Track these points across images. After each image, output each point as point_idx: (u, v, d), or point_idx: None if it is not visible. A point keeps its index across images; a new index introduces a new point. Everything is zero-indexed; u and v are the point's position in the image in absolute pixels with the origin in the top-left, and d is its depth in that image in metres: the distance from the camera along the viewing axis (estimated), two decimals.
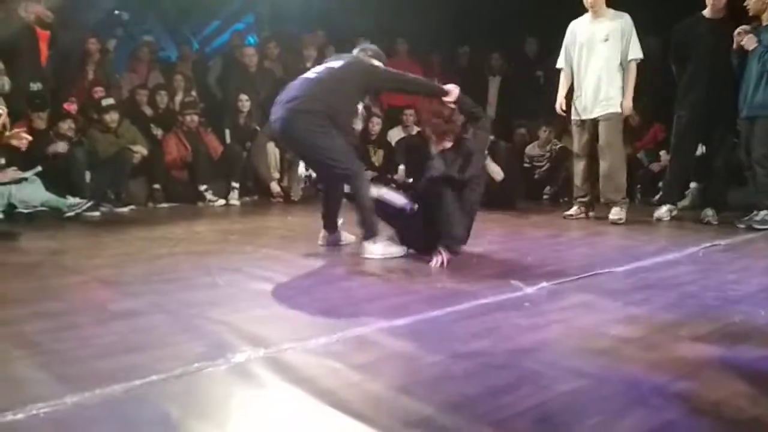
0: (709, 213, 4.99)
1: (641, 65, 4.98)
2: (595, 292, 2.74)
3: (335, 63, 3.65)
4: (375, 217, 3.52)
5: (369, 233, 3.50)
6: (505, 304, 2.54)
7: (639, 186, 6.34)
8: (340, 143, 3.45)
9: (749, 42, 4.57)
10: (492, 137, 5.85)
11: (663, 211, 5.20)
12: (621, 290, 2.79)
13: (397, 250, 3.53)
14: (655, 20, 5.79)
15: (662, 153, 6.36)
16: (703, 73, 4.92)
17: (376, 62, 3.73)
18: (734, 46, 4.73)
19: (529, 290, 2.72)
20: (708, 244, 3.87)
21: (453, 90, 3.56)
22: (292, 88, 3.56)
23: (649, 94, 6.00)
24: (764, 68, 4.49)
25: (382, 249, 3.48)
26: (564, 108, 5.18)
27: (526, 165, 6.77)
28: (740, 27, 4.68)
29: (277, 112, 3.51)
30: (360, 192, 3.49)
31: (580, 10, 5.08)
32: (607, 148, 4.98)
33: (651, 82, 5.81)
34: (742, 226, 4.59)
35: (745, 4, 4.64)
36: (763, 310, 2.45)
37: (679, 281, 2.98)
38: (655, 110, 6.39)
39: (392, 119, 7.48)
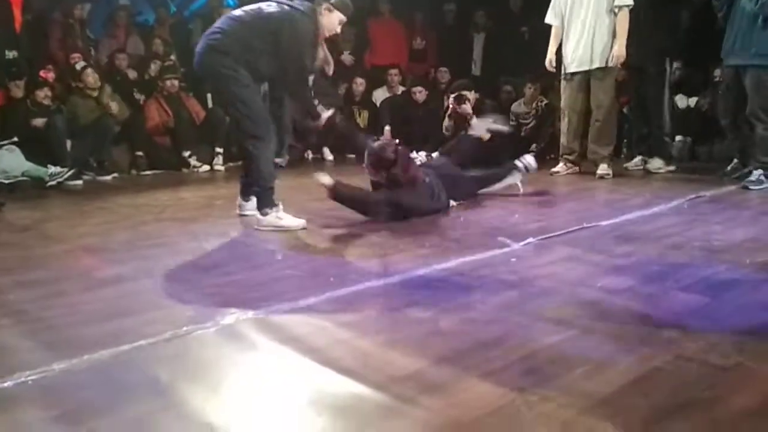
0: (657, 164, 5.13)
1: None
2: (581, 246, 2.75)
3: (268, 7, 3.26)
4: (271, 189, 3.26)
5: (263, 204, 3.26)
6: (493, 260, 2.55)
7: (625, 140, 6.32)
8: (256, 100, 3.21)
9: None
10: (477, 95, 5.81)
11: (636, 161, 5.39)
12: (607, 243, 2.80)
13: (292, 222, 3.24)
14: None
15: None
16: (632, 22, 4.85)
17: (336, 14, 3.34)
18: None
19: (516, 246, 2.73)
20: (693, 196, 3.89)
21: (324, 117, 3.42)
22: (217, 22, 3.34)
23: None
24: (762, 10, 4.16)
25: (274, 221, 3.23)
26: (554, 64, 5.12)
27: (512, 123, 6.72)
28: None
29: (197, 46, 3.29)
30: (259, 160, 3.22)
31: None
32: (600, 104, 4.95)
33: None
34: (726, 178, 4.59)
35: None
36: (747, 259, 2.48)
37: (665, 233, 2.99)
38: None
39: (376, 79, 7.38)
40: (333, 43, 7.32)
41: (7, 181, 4.82)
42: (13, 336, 1.83)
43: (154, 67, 6.56)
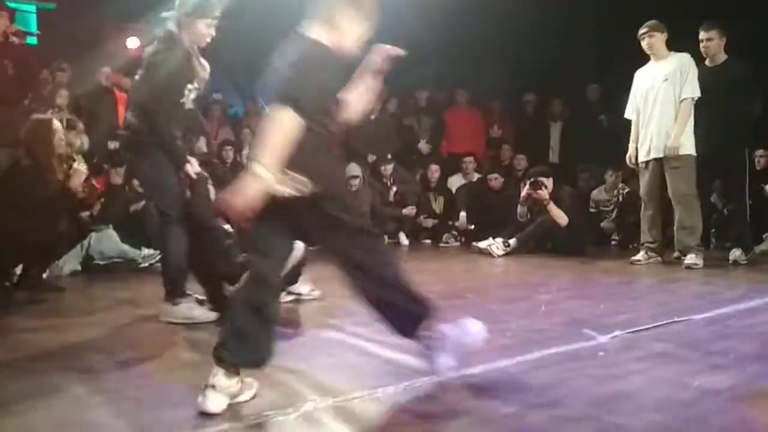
0: (737, 253, 4.96)
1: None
2: (673, 341, 2.61)
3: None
4: (181, 277, 3.14)
5: (171, 294, 3.11)
6: (579, 353, 2.45)
7: (713, 230, 6.07)
8: (171, 180, 3.06)
9: None
10: (546, 180, 5.80)
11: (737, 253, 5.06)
12: (702, 339, 2.65)
13: (201, 314, 3.10)
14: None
15: None
16: (701, 113, 4.84)
17: (198, 22, 3.07)
18: None
19: (603, 339, 2.62)
20: None
21: (190, 169, 3.11)
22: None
23: None
24: None
25: (184, 312, 3.09)
26: (634, 160, 5.11)
27: (592, 210, 6.63)
28: None
29: None
30: (167, 245, 3.11)
31: (642, 57, 5.09)
32: (679, 195, 4.85)
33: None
34: None
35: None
36: None
37: (764, 329, 2.81)
38: None
39: (452, 166, 7.50)
40: (411, 132, 7.62)
41: (102, 262, 5.10)
42: (105, 415, 1.89)
43: (225, 155, 6.94)
